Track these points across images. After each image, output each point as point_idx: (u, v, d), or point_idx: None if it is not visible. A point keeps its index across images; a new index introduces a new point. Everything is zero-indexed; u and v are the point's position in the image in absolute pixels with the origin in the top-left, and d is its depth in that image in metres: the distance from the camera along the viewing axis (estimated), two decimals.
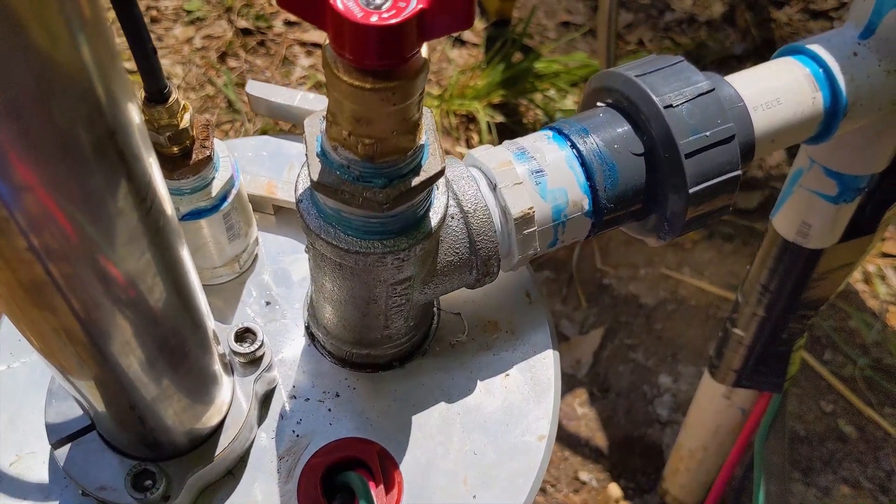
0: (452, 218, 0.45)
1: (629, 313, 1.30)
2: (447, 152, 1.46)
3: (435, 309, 0.53)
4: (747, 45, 1.74)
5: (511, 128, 1.46)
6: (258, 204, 0.55)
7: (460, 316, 0.53)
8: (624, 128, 0.49)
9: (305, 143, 0.40)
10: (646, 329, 1.29)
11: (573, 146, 0.49)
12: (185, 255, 0.36)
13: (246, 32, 1.60)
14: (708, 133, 0.48)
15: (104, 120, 0.27)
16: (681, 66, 0.50)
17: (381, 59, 0.33)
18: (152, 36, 1.65)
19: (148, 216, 0.30)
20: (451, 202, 0.45)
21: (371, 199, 0.38)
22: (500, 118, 1.47)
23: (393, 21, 0.32)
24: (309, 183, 0.39)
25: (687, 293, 1.34)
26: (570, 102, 1.52)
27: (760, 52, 1.74)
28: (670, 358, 1.26)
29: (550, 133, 0.50)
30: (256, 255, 0.54)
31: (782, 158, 1.53)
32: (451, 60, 1.62)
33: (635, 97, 0.49)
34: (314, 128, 0.40)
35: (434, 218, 0.42)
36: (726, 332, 0.83)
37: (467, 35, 1.68)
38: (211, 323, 0.41)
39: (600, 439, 1.18)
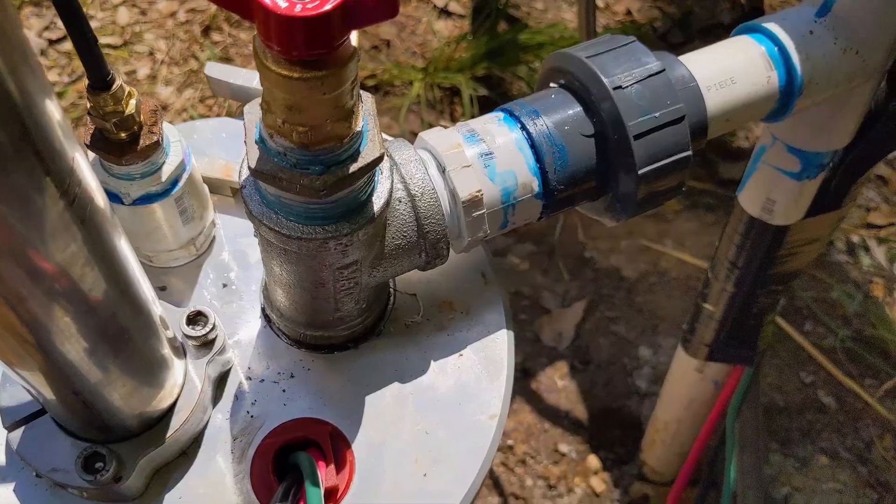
0: (400, 202, 0.46)
1: (611, 286, 1.31)
2: (430, 125, 1.46)
3: (391, 289, 0.53)
4: (735, 14, 1.72)
5: (495, 100, 1.46)
6: (216, 186, 0.56)
7: (416, 297, 0.53)
8: (575, 109, 0.49)
9: (245, 130, 0.40)
10: (627, 301, 1.30)
11: (523, 128, 0.49)
12: (120, 243, 0.36)
13: None
14: (657, 114, 0.48)
15: (19, 119, 0.27)
16: (632, 46, 0.50)
17: (308, 49, 0.33)
18: (136, 10, 1.64)
19: (72, 209, 0.31)
20: (399, 185, 0.46)
21: (308, 185, 0.38)
22: (483, 91, 1.47)
23: (317, 11, 0.32)
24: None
25: (668, 265, 1.34)
26: None
27: (749, 19, 1.73)
28: (650, 330, 1.26)
29: (502, 115, 0.50)
30: (214, 237, 0.54)
31: None
32: (437, 32, 1.62)
33: (585, 78, 0.49)
34: (253, 115, 0.40)
35: (377, 202, 0.42)
36: (697, 306, 0.84)
37: (453, 6, 1.67)
38: (157, 308, 0.42)
39: (580, 411, 1.19)
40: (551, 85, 0.52)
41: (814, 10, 0.54)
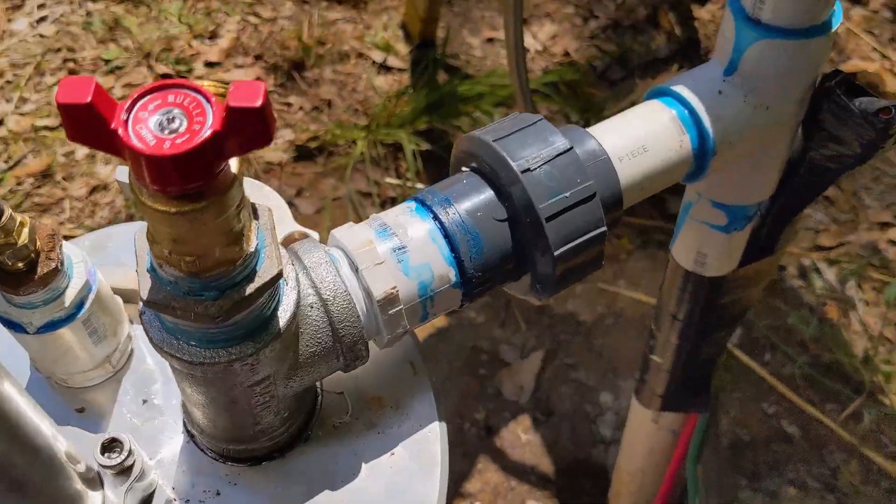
0: (311, 307, 0.44)
1: (568, 332, 1.30)
2: (376, 182, 1.45)
3: (317, 390, 0.52)
4: (672, 46, 1.75)
5: (438, 154, 1.46)
6: (132, 296, 0.54)
7: (343, 395, 0.52)
8: (486, 194, 0.49)
9: (136, 257, 0.38)
10: (585, 347, 1.29)
11: (435, 218, 0.48)
12: (5, 388, 0.34)
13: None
14: (568, 194, 0.47)
15: None
16: (539, 126, 0.49)
17: (183, 184, 0.32)
18: None
19: None
20: (309, 291, 0.45)
21: (203, 313, 0.37)
22: (426, 145, 1.46)
23: (187, 147, 0.31)
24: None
25: (623, 305, 1.34)
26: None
27: (685, 51, 1.75)
28: (610, 374, 1.26)
29: (414, 205, 0.49)
30: (132, 350, 0.53)
31: None
32: (377, 88, 1.62)
33: (494, 162, 0.48)
34: (144, 242, 0.38)
35: (284, 316, 0.41)
36: (646, 359, 0.83)
37: (392, 60, 1.68)
38: (61, 445, 0.40)
39: (546, 465, 1.18)
40: (463, 169, 0.51)
41: (721, 68, 0.55)
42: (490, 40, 1.75)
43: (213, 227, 0.34)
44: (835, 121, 0.54)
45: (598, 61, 1.72)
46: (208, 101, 0.32)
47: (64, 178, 1.47)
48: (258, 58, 1.63)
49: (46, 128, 1.51)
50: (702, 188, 0.63)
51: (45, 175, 1.47)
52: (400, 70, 1.66)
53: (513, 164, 0.47)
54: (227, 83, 0.34)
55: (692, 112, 0.53)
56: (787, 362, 1.29)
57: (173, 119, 0.31)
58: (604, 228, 0.49)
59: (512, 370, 1.26)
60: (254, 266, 0.38)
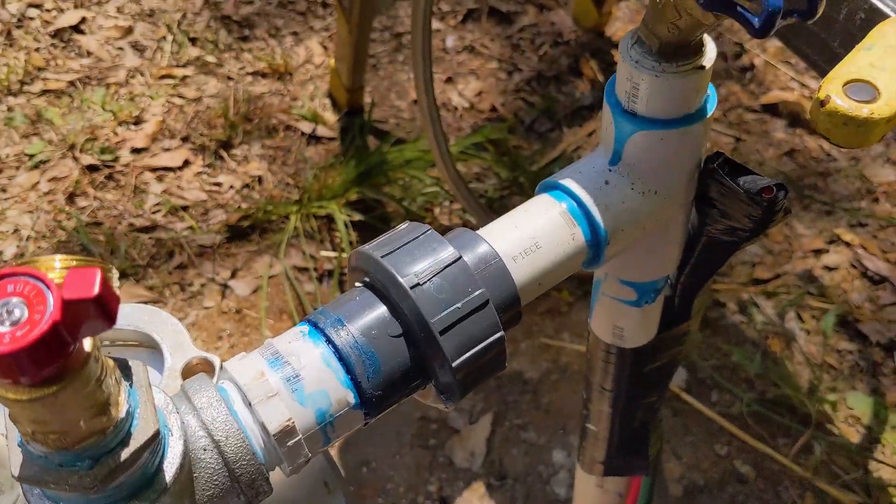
0: (204, 450, 0.43)
1: (515, 391, 1.30)
2: (312, 256, 1.45)
3: None
4: (596, 94, 1.78)
5: (372, 224, 1.46)
6: None
7: None
8: (379, 310, 0.48)
9: (6, 429, 0.37)
10: (534, 405, 1.28)
11: (329, 341, 0.47)
12: None
13: (93, 168, 1.56)
14: (460, 304, 0.47)
15: None
16: (427, 236, 0.49)
17: (30, 375, 0.31)
18: None
19: None
20: (201, 433, 0.43)
21: (78, 483, 0.36)
22: (358, 216, 1.46)
23: (25, 343, 0.30)
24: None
25: (569, 359, 1.34)
26: (429, 184, 1.52)
27: None
28: (561, 431, 1.25)
29: (307, 328, 0.48)
30: None
31: None
32: (308, 159, 1.62)
33: (384, 279, 0.48)
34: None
35: (170, 469, 0.40)
36: (583, 427, 0.83)
37: (322, 130, 1.68)
38: None
39: None
40: (357, 284, 0.51)
41: (607, 159, 0.55)
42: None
43: (75, 404, 0.33)
44: (723, 200, 0.55)
45: (525, 114, 1.74)
46: (49, 287, 0.31)
47: None
48: (185, 139, 1.62)
49: None
50: (607, 268, 0.63)
51: None
52: (329, 139, 1.66)
53: (401, 280, 0.47)
54: (77, 258, 0.34)
55: (581, 205, 0.53)
56: (735, 401, 1.30)
57: (12, 310, 0.30)
58: (500, 333, 0.48)
59: (462, 437, 1.25)
60: (127, 429, 0.37)
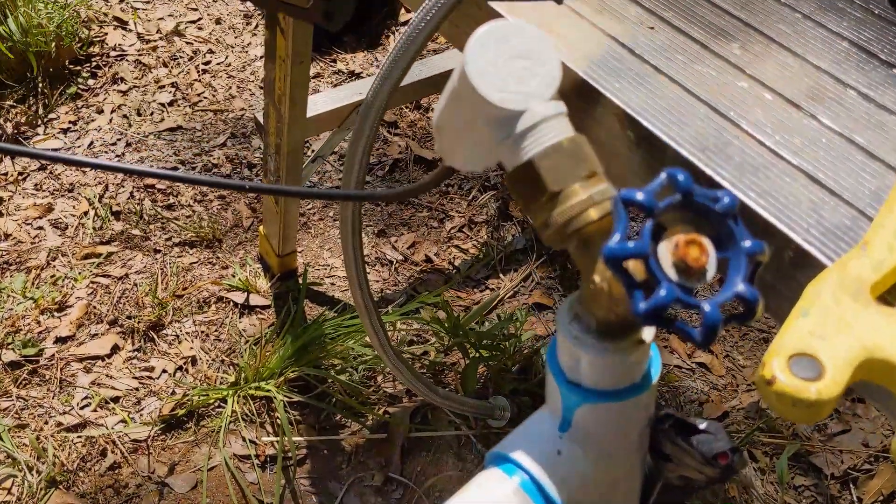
0: None
1: None
2: (252, 442, 1.38)
3: None
4: (528, 236, 1.79)
5: (313, 406, 1.41)
6: None
7: None
8: None
9: None
10: None
11: None
12: None
13: (15, 365, 1.49)
14: None
15: None
16: None
17: None
18: None
19: None
20: None
21: None
22: (298, 397, 1.42)
23: None
24: None
25: None
26: (370, 352, 1.49)
27: (540, 240, 1.80)
28: None
29: None
30: None
31: None
32: (243, 332, 1.57)
33: None
34: None
35: None
36: None
37: (255, 298, 1.65)
38: None
39: None
40: None
41: (556, 423, 0.53)
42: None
43: None
44: (679, 456, 0.53)
45: (459, 262, 1.74)
46: None
47: None
48: (112, 323, 1.56)
49: None
50: None
51: None
52: (264, 307, 1.63)
53: None
54: None
55: (535, 481, 0.51)
56: None
57: None
58: None
59: None
60: None
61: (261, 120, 1.44)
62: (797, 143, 0.66)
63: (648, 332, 0.49)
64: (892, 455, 0.42)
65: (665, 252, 0.42)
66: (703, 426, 0.53)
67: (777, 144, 0.66)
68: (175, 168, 1.92)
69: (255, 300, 1.63)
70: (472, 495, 0.52)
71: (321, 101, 1.50)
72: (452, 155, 0.57)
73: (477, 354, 1.44)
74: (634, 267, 0.42)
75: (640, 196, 0.42)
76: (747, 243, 0.43)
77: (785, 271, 0.59)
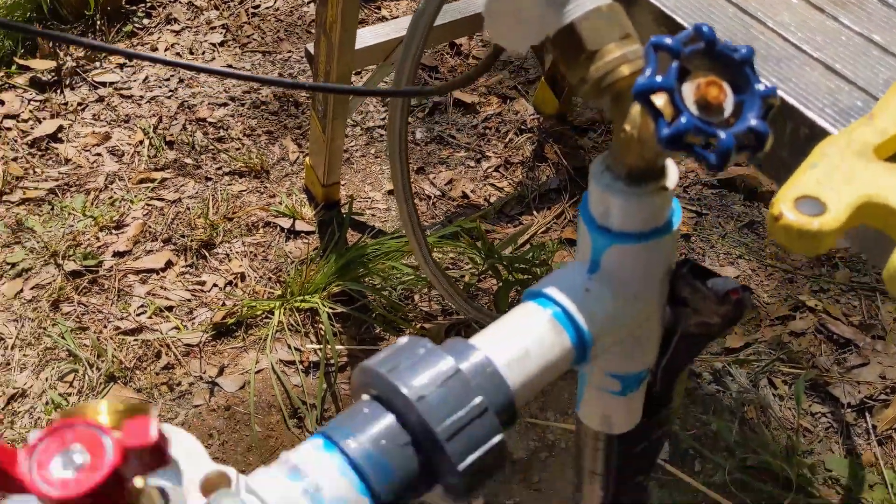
0: None
1: (506, 471, 1.32)
2: (297, 349, 1.47)
3: None
4: (562, 177, 1.85)
5: (354, 316, 1.49)
6: None
7: None
8: (387, 421, 0.52)
9: None
10: (525, 485, 1.31)
11: (343, 452, 0.51)
12: None
13: (76, 274, 1.59)
14: (462, 413, 0.51)
15: None
16: (427, 351, 0.53)
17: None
18: None
19: None
20: None
21: None
22: (341, 308, 1.50)
23: (89, 486, 0.33)
24: None
25: (555, 437, 1.37)
26: (407, 273, 1.57)
27: (575, 180, 1.86)
28: None
29: (321, 441, 0.52)
30: None
31: None
32: (289, 254, 1.66)
33: (390, 392, 0.52)
34: None
35: None
36: None
37: (300, 224, 1.73)
38: None
39: None
40: (363, 397, 0.55)
41: (585, 268, 0.60)
42: (391, 192, 1.82)
43: None
44: (695, 300, 0.60)
45: (496, 198, 1.81)
46: (106, 434, 0.34)
47: None
48: (167, 241, 1.66)
49: None
50: (593, 361, 0.67)
51: None
52: (308, 233, 1.71)
53: (407, 392, 0.51)
54: (123, 404, 0.37)
55: (566, 312, 0.58)
56: (718, 469, 1.33)
57: (75, 457, 0.34)
58: (501, 435, 0.52)
59: None
60: None
61: (311, 51, 1.51)
62: (819, 40, 0.72)
63: (672, 177, 0.55)
64: (886, 281, 0.48)
65: (688, 91, 0.49)
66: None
67: (800, 41, 0.72)
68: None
69: (301, 226, 1.72)
70: (509, 324, 0.59)
71: (368, 35, 1.57)
72: (502, 35, 0.63)
73: (511, 277, 1.51)
74: (661, 106, 0.49)
75: (668, 41, 0.48)
76: (761, 87, 0.49)
77: (799, 148, 0.65)
